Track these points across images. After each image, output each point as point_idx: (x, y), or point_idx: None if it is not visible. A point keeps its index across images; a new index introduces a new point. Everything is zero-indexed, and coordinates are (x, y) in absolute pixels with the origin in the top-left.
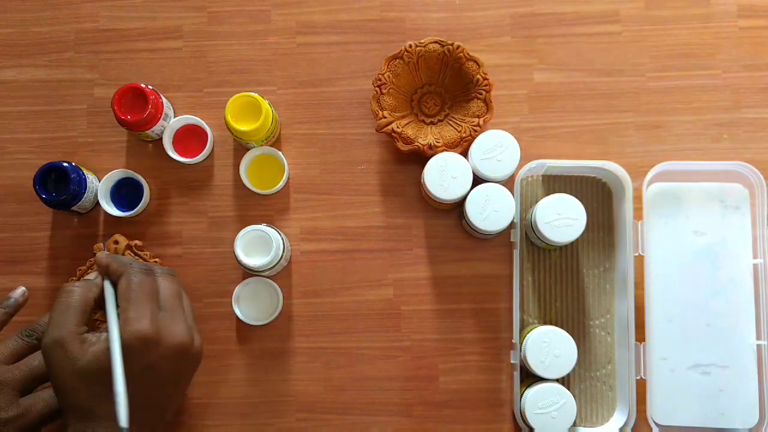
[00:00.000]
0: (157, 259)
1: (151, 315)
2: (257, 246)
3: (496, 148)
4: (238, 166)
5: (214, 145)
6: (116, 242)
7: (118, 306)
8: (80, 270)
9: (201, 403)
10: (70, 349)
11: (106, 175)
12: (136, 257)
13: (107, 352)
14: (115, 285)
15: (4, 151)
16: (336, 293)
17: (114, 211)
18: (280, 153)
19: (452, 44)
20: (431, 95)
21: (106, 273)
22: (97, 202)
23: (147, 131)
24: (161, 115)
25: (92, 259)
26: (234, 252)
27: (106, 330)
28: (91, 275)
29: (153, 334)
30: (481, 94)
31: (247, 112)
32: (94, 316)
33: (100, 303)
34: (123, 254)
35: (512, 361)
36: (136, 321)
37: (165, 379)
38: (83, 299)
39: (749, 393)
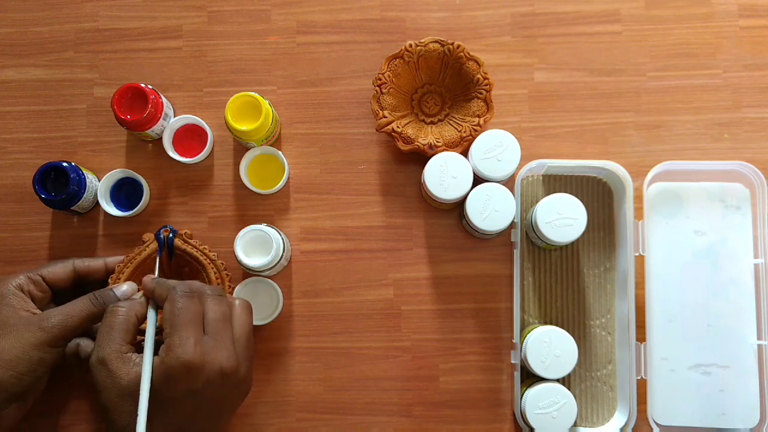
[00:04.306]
0: (205, 247)
1: (195, 340)
2: (257, 246)
3: (497, 148)
4: (238, 166)
5: (214, 145)
6: (168, 231)
7: (159, 332)
8: (127, 257)
9: None
10: (113, 368)
11: (106, 175)
12: (186, 244)
13: (154, 374)
14: (160, 308)
15: (4, 151)
16: (336, 293)
17: (114, 211)
18: (280, 153)
19: (452, 44)
20: (431, 95)
21: (152, 297)
22: (97, 202)
23: (147, 131)
24: (161, 114)
25: (140, 247)
26: (234, 252)
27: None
28: (137, 295)
29: (196, 361)
30: (481, 93)
31: (247, 112)
32: (140, 337)
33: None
34: (169, 243)
35: (513, 361)
36: (179, 347)
37: (208, 405)
38: (127, 319)
39: (750, 393)
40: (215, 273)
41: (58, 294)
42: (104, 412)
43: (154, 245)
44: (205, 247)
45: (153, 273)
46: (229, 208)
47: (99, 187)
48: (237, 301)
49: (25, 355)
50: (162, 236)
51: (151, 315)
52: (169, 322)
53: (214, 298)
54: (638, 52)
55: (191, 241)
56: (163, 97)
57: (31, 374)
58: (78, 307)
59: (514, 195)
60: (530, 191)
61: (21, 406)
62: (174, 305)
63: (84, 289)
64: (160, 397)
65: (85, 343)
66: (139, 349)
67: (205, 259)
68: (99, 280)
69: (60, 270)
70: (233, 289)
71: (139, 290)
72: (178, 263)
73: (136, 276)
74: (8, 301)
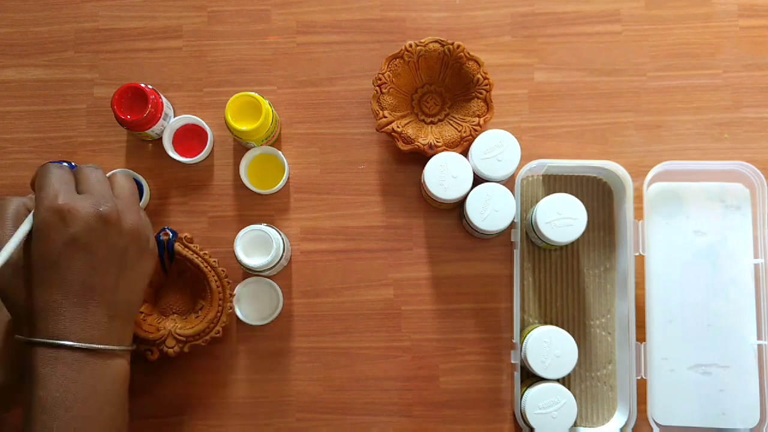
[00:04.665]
0: (206, 252)
1: (64, 192)
2: (257, 246)
3: (497, 148)
4: (238, 165)
5: (214, 145)
6: (168, 234)
7: None
8: None
9: (201, 403)
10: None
11: (106, 175)
12: (187, 250)
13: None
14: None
15: (4, 151)
16: (336, 293)
17: None
18: (280, 153)
19: (452, 44)
20: (431, 95)
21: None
22: None
23: (147, 131)
24: (161, 114)
25: None
26: (234, 252)
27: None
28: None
29: (64, 205)
30: (481, 93)
31: (247, 112)
32: None
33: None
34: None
35: (513, 361)
36: (44, 198)
37: (103, 256)
38: (17, 209)
39: (750, 393)
40: (216, 281)
41: None
42: (7, 309)
43: None
44: (206, 252)
45: (155, 278)
46: (229, 208)
47: None
48: (119, 170)
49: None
50: (162, 239)
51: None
52: (36, 184)
53: (87, 168)
54: (638, 52)
55: (191, 245)
56: (163, 97)
57: None
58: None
59: (514, 195)
60: (530, 191)
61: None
62: (42, 171)
63: None
64: (42, 255)
65: None
66: None
67: (206, 266)
68: None
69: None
70: (233, 296)
71: None
72: (179, 267)
73: None
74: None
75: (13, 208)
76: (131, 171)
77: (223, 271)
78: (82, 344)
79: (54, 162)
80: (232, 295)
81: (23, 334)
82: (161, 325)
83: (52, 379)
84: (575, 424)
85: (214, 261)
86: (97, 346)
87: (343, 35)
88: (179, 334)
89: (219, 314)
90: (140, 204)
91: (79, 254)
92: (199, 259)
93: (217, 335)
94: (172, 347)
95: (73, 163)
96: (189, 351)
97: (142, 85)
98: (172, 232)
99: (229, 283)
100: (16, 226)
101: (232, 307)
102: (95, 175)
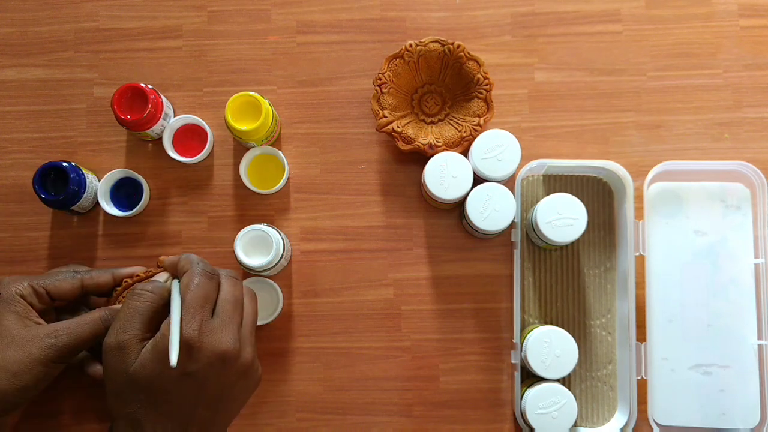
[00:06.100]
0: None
1: (199, 321)
2: (257, 246)
3: (497, 148)
4: (238, 165)
5: (214, 145)
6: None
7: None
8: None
9: None
10: (129, 353)
11: (106, 175)
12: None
13: (154, 359)
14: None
15: (4, 151)
16: (336, 293)
17: (114, 211)
18: (280, 153)
19: (453, 43)
20: (432, 95)
21: (174, 272)
22: (97, 202)
23: (147, 131)
24: (161, 114)
25: (153, 270)
26: (234, 252)
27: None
28: (161, 276)
29: (195, 341)
30: (481, 93)
31: (247, 112)
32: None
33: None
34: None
35: (513, 361)
36: (185, 325)
37: (212, 392)
38: (151, 305)
39: (750, 393)
40: None
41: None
42: (111, 397)
43: (166, 275)
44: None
45: None
46: (229, 208)
47: (99, 187)
48: (246, 288)
49: (32, 369)
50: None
51: (175, 285)
52: (183, 291)
53: (230, 279)
54: (638, 52)
55: None
56: (163, 97)
57: (35, 387)
58: (88, 325)
59: (514, 195)
60: (530, 191)
61: (17, 414)
62: (191, 281)
63: (86, 298)
64: (159, 380)
65: (89, 358)
66: None
67: None
68: (105, 293)
69: (67, 285)
70: None
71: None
72: None
73: None
74: (12, 308)
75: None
76: (131, 171)
77: None
78: None
79: (204, 267)
80: None
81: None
82: None
83: None
84: (575, 424)
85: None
86: None
87: (343, 35)
88: None
89: None
90: (139, 206)
91: (191, 388)
92: None
93: None
94: None
95: (73, 163)
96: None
97: (142, 84)
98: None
99: None
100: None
101: None
102: (233, 295)
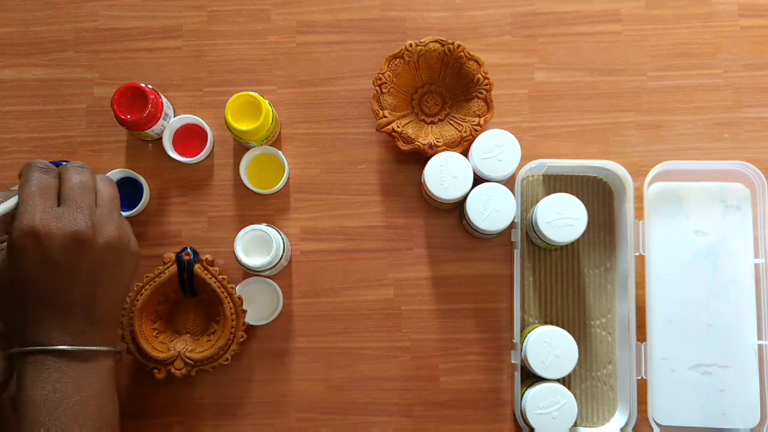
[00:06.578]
0: (225, 276)
1: (41, 209)
2: (257, 246)
3: (497, 148)
4: (238, 165)
5: (214, 145)
6: (188, 254)
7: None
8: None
9: (201, 403)
10: None
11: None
12: (206, 273)
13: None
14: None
15: (4, 151)
16: (336, 293)
17: None
18: (280, 153)
19: (453, 43)
20: (432, 94)
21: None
22: None
23: (147, 131)
24: (161, 114)
25: (160, 268)
26: (234, 252)
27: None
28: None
29: (41, 227)
30: (481, 93)
31: (247, 112)
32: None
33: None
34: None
35: (513, 361)
36: (23, 215)
37: (78, 275)
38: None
39: (750, 393)
40: (231, 308)
41: None
42: None
43: (173, 268)
44: (224, 277)
45: (172, 295)
46: (229, 208)
47: None
48: (99, 175)
49: None
50: (183, 259)
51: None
52: (18, 191)
53: (73, 168)
54: (638, 52)
55: (211, 269)
56: (163, 97)
57: None
58: None
59: (514, 195)
60: (530, 191)
61: None
62: (25, 179)
63: None
64: (20, 274)
65: None
66: None
67: (223, 292)
68: None
69: None
70: (246, 326)
71: None
72: (197, 287)
73: (155, 297)
74: None
75: None
76: (131, 171)
77: (240, 298)
78: (66, 347)
79: (38, 163)
80: (245, 324)
81: (14, 346)
82: (173, 344)
83: (40, 380)
84: (575, 424)
85: (232, 286)
86: (79, 348)
87: (343, 35)
88: (188, 357)
89: (230, 342)
90: (139, 206)
91: (56, 273)
92: (217, 283)
93: (226, 363)
94: (180, 369)
95: (65, 163)
96: (195, 375)
97: (142, 84)
98: (194, 252)
99: (244, 311)
100: None
101: (243, 336)
102: (78, 180)
